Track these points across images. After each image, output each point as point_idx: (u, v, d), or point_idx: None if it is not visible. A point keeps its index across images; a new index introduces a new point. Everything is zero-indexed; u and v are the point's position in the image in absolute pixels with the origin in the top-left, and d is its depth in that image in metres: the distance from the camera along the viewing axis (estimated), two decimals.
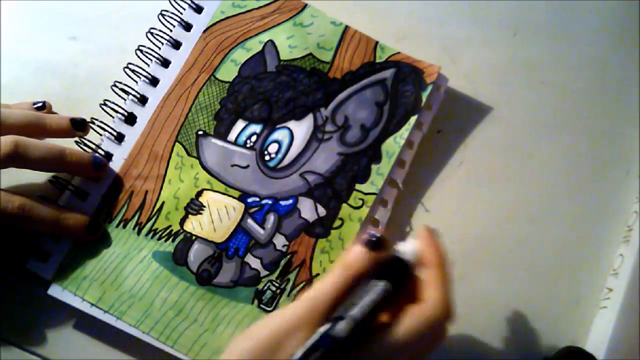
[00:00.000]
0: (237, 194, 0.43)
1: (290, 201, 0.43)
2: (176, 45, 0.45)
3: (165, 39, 0.45)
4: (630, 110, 0.48)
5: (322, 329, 0.32)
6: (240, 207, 0.43)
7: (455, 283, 0.45)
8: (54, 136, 0.42)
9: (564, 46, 0.49)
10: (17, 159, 0.38)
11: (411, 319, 0.34)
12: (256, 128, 0.44)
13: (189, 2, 0.45)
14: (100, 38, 0.47)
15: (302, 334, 0.32)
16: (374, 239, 0.36)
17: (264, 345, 0.33)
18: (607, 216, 0.46)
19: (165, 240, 0.42)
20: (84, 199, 0.42)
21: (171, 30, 0.45)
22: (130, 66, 0.44)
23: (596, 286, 0.45)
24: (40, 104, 0.43)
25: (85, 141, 0.42)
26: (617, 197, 0.46)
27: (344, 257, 0.35)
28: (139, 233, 0.42)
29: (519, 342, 0.43)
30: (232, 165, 0.44)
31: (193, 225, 0.42)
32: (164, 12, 0.45)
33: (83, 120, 0.43)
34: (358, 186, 0.44)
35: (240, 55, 0.45)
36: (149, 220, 0.42)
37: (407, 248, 0.37)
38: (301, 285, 0.42)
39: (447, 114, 0.47)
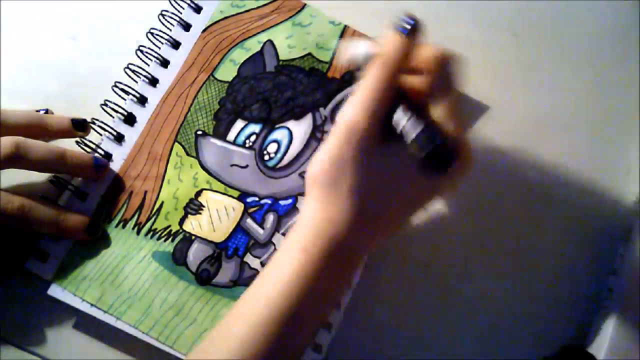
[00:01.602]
0: (236, 193, 0.43)
1: (290, 201, 0.43)
2: (175, 45, 0.44)
3: (165, 39, 0.44)
4: (631, 110, 0.47)
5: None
6: (240, 207, 0.43)
7: (456, 283, 0.45)
8: (55, 137, 0.42)
9: (564, 46, 0.49)
10: (17, 160, 0.38)
11: None
12: (255, 128, 0.44)
13: (188, 1, 0.45)
14: (100, 38, 0.47)
15: (357, 143, 0.35)
16: (409, 24, 0.35)
17: (329, 166, 0.35)
18: (607, 216, 0.46)
19: (165, 240, 0.42)
20: (83, 199, 0.41)
21: (170, 30, 0.44)
22: (130, 66, 0.43)
23: (596, 286, 0.44)
24: (43, 111, 0.43)
25: (86, 141, 0.42)
26: (617, 197, 0.46)
27: (379, 51, 0.36)
28: (138, 233, 0.41)
29: (518, 342, 0.43)
30: (231, 165, 0.43)
31: (192, 225, 0.42)
32: (164, 12, 0.45)
33: (84, 121, 0.42)
34: None
35: (239, 55, 0.45)
36: (148, 220, 0.42)
37: (360, 50, 0.37)
38: None
39: None
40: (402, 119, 0.36)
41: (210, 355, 0.34)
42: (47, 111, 0.43)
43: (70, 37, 0.47)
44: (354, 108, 0.35)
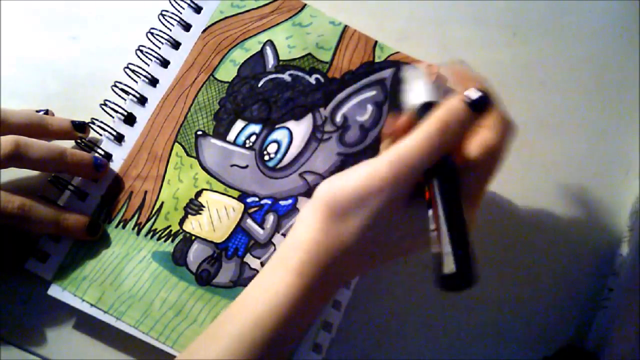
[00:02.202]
0: (236, 194, 0.43)
1: (290, 201, 0.43)
2: (175, 45, 0.44)
3: (165, 39, 0.44)
4: (631, 110, 0.47)
5: None
6: (240, 207, 0.43)
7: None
8: (55, 137, 0.42)
9: (564, 46, 0.49)
10: (17, 158, 0.38)
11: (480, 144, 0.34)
12: (255, 128, 0.44)
13: (189, 2, 0.44)
14: (100, 38, 0.47)
15: (385, 194, 0.33)
16: (479, 96, 0.32)
17: (346, 198, 0.34)
18: (607, 216, 0.46)
19: (165, 241, 0.41)
20: (83, 199, 0.41)
21: (170, 30, 0.44)
22: (130, 66, 0.43)
23: (596, 286, 0.44)
24: (43, 112, 0.43)
25: (85, 141, 0.42)
26: (617, 197, 0.46)
27: (440, 115, 0.33)
28: (138, 233, 0.41)
29: (519, 342, 0.43)
30: (232, 166, 0.43)
31: (192, 225, 0.42)
32: (164, 13, 0.44)
33: (84, 123, 0.43)
34: None
35: (239, 56, 0.44)
36: (148, 220, 0.42)
37: (420, 98, 0.34)
38: None
39: None
40: (441, 219, 0.32)
41: None
42: (47, 111, 0.43)
43: (70, 37, 0.47)
44: (389, 159, 0.33)
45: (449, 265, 0.31)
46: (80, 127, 0.43)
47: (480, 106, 0.32)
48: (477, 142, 0.35)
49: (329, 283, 0.36)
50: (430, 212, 0.33)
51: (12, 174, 0.42)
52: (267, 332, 0.34)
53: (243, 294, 0.37)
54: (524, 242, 0.45)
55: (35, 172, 0.43)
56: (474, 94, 0.32)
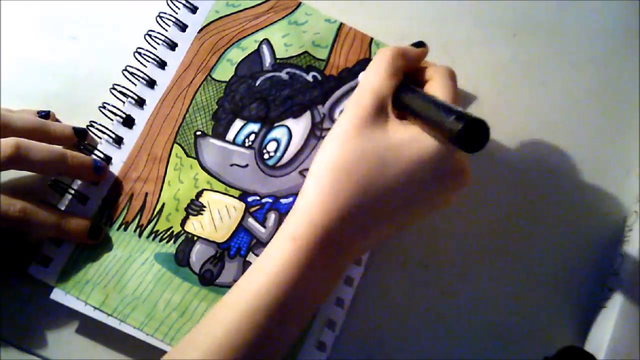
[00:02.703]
0: (237, 193, 0.43)
1: (291, 199, 0.43)
2: (172, 46, 0.44)
3: (162, 40, 0.44)
4: (631, 110, 0.47)
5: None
6: (241, 206, 0.43)
7: (456, 283, 0.44)
8: (56, 143, 0.42)
9: (564, 46, 0.49)
10: (18, 161, 0.38)
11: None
12: (254, 127, 0.44)
13: (184, 2, 0.44)
14: (100, 38, 0.47)
15: (364, 119, 0.36)
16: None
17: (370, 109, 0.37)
18: (607, 216, 0.46)
19: (167, 242, 0.41)
20: (84, 202, 0.41)
21: (167, 31, 0.44)
22: (128, 68, 0.43)
23: (596, 286, 0.44)
24: (44, 113, 0.43)
25: (85, 144, 0.42)
26: (617, 197, 0.46)
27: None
28: (140, 235, 0.41)
29: (518, 342, 0.43)
30: (231, 165, 0.43)
31: (194, 225, 0.42)
32: (161, 14, 0.44)
33: (85, 130, 0.43)
34: None
35: (236, 55, 0.44)
36: (149, 222, 0.42)
37: None
38: None
39: None
40: (421, 99, 0.37)
41: (195, 344, 0.34)
42: (48, 113, 0.43)
43: (70, 37, 0.47)
44: (361, 91, 0.38)
45: (454, 125, 0.33)
46: (81, 134, 0.43)
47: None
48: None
49: (328, 248, 0.35)
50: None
51: (13, 178, 0.42)
52: (265, 301, 0.33)
53: (247, 270, 0.36)
54: (523, 242, 0.45)
55: (35, 176, 0.42)
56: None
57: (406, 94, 0.38)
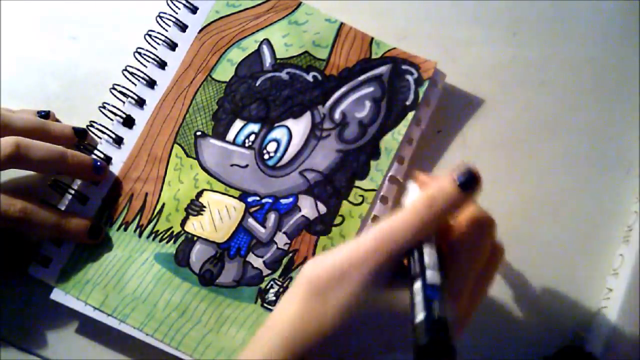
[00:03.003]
0: (237, 193, 0.43)
1: (291, 199, 0.43)
2: (172, 46, 0.44)
3: (162, 40, 0.44)
4: (631, 110, 0.47)
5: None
6: (241, 206, 0.42)
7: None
8: (56, 143, 0.42)
9: (564, 46, 0.48)
10: (18, 160, 0.38)
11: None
12: (254, 127, 0.44)
13: (184, 2, 0.44)
14: (100, 38, 0.47)
15: (367, 267, 0.31)
16: (467, 175, 0.31)
17: (328, 274, 0.31)
18: (607, 216, 0.45)
19: (167, 242, 0.41)
20: (84, 202, 0.41)
21: (167, 31, 0.44)
22: (128, 69, 0.43)
23: (596, 286, 0.44)
24: (44, 113, 0.43)
25: (85, 144, 0.42)
26: (617, 197, 0.46)
27: (429, 192, 0.32)
28: (140, 235, 0.41)
29: (519, 341, 0.43)
30: (232, 165, 0.43)
31: (194, 226, 0.42)
32: (161, 15, 0.44)
33: (85, 130, 0.43)
34: (358, 183, 0.43)
35: (236, 55, 0.44)
36: (149, 222, 0.42)
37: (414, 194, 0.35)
38: None
39: (447, 115, 0.46)
40: (419, 289, 0.30)
41: None
42: (48, 113, 0.43)
43: (71, 37, 0.47)
44: (373, 234, 0.31)
45: (422, 337, 0.28)
46: (81, 134, 0.43)
47: (469, 185, 0.31)
48: (463, 217, 0.33)
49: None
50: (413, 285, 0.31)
51: (13, 177, 0.42)
52: None
53: None
54: (523, 242, 0.45)
55: (36, 176, 0.43)
56: (463, 174, 0.31)
57: (412, 260, 0.31)
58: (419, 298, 0.29)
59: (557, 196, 0.46)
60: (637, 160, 0.46)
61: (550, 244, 0.45)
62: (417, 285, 0.30)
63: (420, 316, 0.28)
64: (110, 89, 0.43)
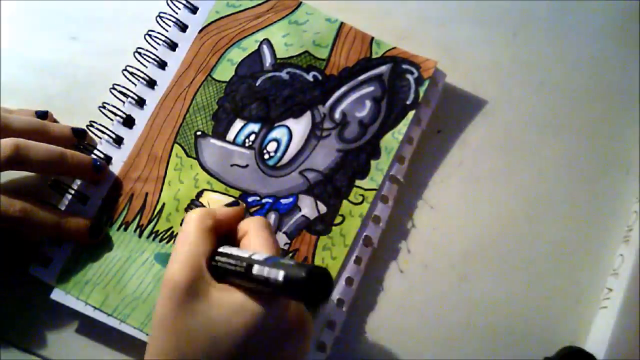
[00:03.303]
0: (237, 193, 0.43)
1: (291, 199, 0.43)
2: (172, 46, 0.44)
3: (162, 40, 0.44)
4: (631, 110, 0.48)
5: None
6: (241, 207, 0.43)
7: (456, 283, 0.44)
8: (55, 143, 0.42)
9: (564, 46, 0.49)
10: (18, 161, 0.38)
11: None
12: (254, 127, 0.44)
13: (184, 2, 0.45)
14: (100, 38, 0.47)
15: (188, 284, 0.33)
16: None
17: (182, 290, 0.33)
18: (607, 216, 0.46)
19: (167, 242, 0.41)
20: (84, 202, 0.41)
21: (167, 32, 0.45)
22: (128, 68, 0.43)
23: (596, 286, 0.45)
24: (42, 113, 0.44)
25: (85, 144, 0.43)
26: (617, 197, 0.46)
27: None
28: (140, 235, 0.41)
29: (519, 342, 0.44)
30: (232, 165, 0.43)
31: None
32: (161, 15, 0.45)
33: (84, 130, 0.43)
34: (358, 182, 0.44)
35: (236, 55, 0.45)
36: (150, 222, 0.42)
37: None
38: None
39: (447, 115, 0.47)
40: (261, 268, 0.32)
41: None
42: (46, 113, 0.44)
43: (71, 37, 0.47)
44: (172, 265, 0.34)
45: (298, 273, 0.29)
46: (80, 134, 0.43)
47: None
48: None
49: None
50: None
51: (13, 177, 0.42)
52: None
53: None
54: (523, 242, 0.45)
55: (35, 176, 0.43)
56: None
57: (221, 257, 0.35)
58: (267, 269, 0.31)
59: (557, 196, 0.46)
60: (637, 161, 0.46)
61: (550, 243, 0.45)
62: (256, 267, 0.32)
63: (281, 273, 0.30)
64: (110, 89, 0.43)
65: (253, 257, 0.33)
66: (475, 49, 0.48)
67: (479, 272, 0.44)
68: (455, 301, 0.44)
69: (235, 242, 0.37)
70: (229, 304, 0.33)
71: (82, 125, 0.43)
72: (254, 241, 0.36)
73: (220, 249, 0.35)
